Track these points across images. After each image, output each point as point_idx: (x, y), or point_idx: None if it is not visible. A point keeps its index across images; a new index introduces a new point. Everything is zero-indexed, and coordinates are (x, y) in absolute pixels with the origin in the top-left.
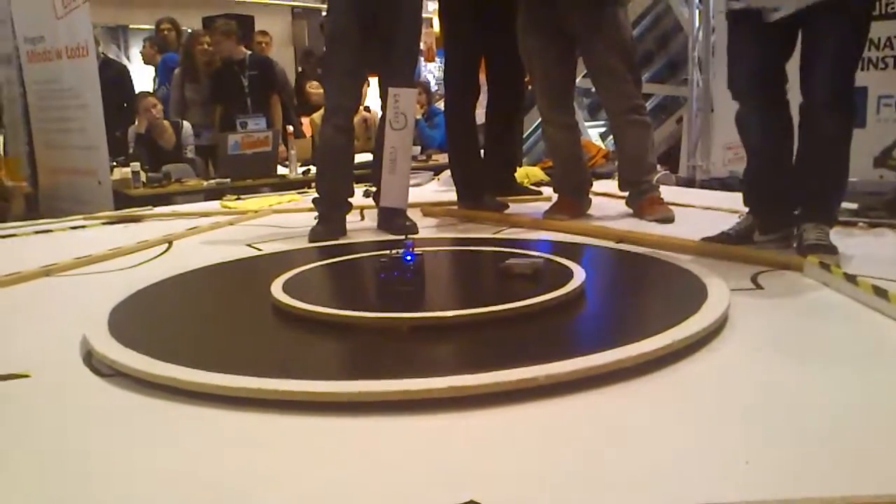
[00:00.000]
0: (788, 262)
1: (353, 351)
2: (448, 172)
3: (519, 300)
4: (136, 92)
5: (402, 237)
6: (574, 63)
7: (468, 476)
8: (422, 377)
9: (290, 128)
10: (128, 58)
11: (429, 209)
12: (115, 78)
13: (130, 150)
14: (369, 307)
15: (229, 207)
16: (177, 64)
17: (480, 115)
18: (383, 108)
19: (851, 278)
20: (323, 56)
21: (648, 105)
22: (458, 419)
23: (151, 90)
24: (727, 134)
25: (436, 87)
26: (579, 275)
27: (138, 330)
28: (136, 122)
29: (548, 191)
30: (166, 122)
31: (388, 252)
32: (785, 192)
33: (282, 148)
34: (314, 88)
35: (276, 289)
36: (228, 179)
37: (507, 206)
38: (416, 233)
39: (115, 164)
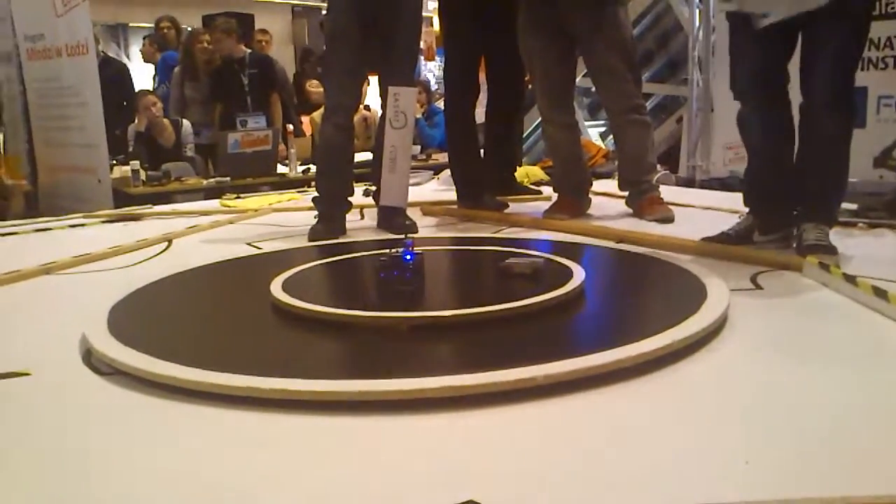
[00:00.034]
0: (788, 263)
1: (353, 350)
2: (448, 172)
3: (518, 300)
4: (136, 90)
5: (402, 236)
6: (574, 62)
7: (467, 476)
8: (421, 377)
9: (290, 126)
10: (128, 56)
11: (428, 208)
12: (114, 76)
13: (130, 149)
14: (369, 306)
15: (229, 206)
16: (177, 62)
17: (480, 115)
18: (383, 106)
19: (851, 279)
20: (323, 55)
21: (648, 105)
22: (458, 419)
23: (151, 88)
24: (727, 134)
25: (436, 86)
26: (579, 275)
27: (138, 328)
28: (136, 121)
29: (548, 190)
30: (166, 121)
31: (387, 251)
32: (785, 192)
33: (282, 146)
34: (314, 87)
35: (276, 288)
36: (228, 178)
37: (507, 206)
38: (416, 232)
39: (114, 162)
